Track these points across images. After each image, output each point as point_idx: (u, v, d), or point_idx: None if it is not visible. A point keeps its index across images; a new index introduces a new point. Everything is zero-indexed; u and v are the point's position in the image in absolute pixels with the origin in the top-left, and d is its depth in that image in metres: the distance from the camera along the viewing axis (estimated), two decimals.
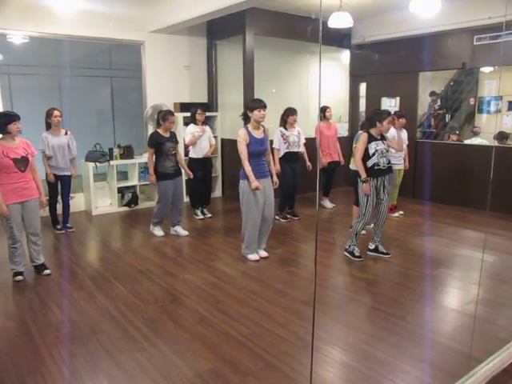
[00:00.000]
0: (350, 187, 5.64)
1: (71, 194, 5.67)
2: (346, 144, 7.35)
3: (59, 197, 5.50)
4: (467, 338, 2.87)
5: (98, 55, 8.49)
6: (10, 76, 7.78)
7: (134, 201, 6.73)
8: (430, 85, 8.65)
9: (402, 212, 6.22)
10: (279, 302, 3.53)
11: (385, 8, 6.65)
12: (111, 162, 6.48)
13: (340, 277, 4.25)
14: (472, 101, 9.13)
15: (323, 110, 6.23)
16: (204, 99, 7.58)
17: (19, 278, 3.95)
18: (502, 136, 6.77)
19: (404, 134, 6.01)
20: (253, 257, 4.45)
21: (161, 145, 5.02)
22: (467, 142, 7.29)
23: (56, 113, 5.23)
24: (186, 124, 6.23)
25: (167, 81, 7.15)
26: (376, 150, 4.29)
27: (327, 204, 6.69)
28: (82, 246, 5.18)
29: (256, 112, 4.18)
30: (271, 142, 5.06)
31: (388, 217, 6.05)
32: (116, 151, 6.59)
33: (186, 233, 5.33)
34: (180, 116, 6.84)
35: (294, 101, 6.92)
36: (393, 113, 6.21)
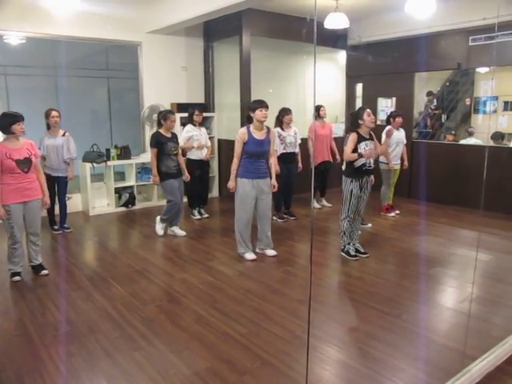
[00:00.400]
0: None
1: (68, 195, 5.67)
2: (343, 144, 7.37)
3: (56, 197, 5.50)
4: (462, 336, 2.90)
5: (94, 56, 8.49)
6: (6, 77, 7.78)
7: (132, 201, 6.74)
8: (426, 85, 8.70)
9: (397, 212, 6.26)
10: (276, 301, 3.55)
11: (381, 9, 6.69)
12: (108, 163, 6.49)
13: (336, 276, 4.28)
14: (468, 101, 9.19)
15: (317, 109, 6.25)
16: (201, 100, 7.60)
17: (17, 278, 3.96)
18: (497, 136, 6.82)
19: (402, 133, 6.05)
20: (248, 256, 4.47)
21: (163, 145, 5.02)
22: (462, 142, 7.34)
23: (54, 113, 5.23)
24: (183, 125, 6.24)
25: (164, 81, 7.16)
26: (365, 150, 4.32)
27: (324, 203, 6.73)
28: (80, 247, 5.19)
29: (258, 112, 4.23)
30: None
31: (384, 216, 6.13)
32: (113, 152, 6.60)
33: (184, 233, 5.34)
34: (177, 116, 6.84)
35: (291, 101, 6.96)
36: (389, 113, 6.28)
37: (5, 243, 4.00)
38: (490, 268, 4.30)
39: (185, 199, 6.49)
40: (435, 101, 9.17)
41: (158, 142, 5.02)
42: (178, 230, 5.35)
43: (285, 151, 5.73)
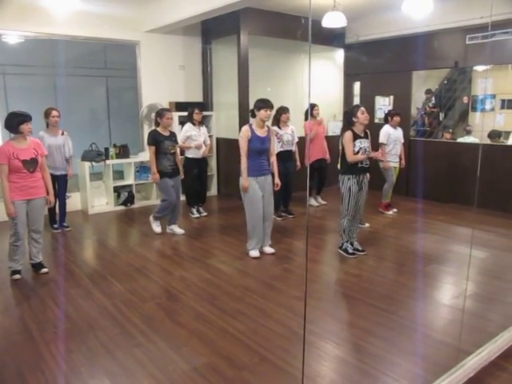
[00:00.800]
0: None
1: (67, 194, 5.70)
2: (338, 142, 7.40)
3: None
4: (457, 332, 2.94)
5: (93, 55, 8.50)
6: (5, 76, 7.80)
7: (130, 200, 6.77)
8: (423, 83, 8.72)
9: (395, 210, 6.29)
10: (274, 298, 3.59)
11: (378, 8, 6.71)
12: (107, 162, 6.51)
13: (333, 273, 4.31)
14: (465, 99, 9.21)
15: (311, 108, 6.28)
16: (199, 98, 7.62)
17: (17, 276, 3.98)
18: (494, 134, 6.85)
19: (399, 131, 6.09)
20: (253, 253, 4.51)
21: (159, 143, 5.03)
22: (460, 140, 7.37)
23: (54, 113, 5.24)
24: (182, 123, 6.26)
25: (162, 80, 7.19)
26: (360, 148, 4.35)
27: (319, 201, 6.76)
28: (79, 245, 5.22)
29: (262, 111, 4.34)
30: None
31: (382, 214, 6.16)
32: (112, 151, 6.62)
33: (182, 231, 5.37)
34: (175, 115, 6.87)
35: (289, 100, 6.97)
36: (387, 111, 6.30)
37: (5, 241, 4.02)
38: (486, 265, 4.34)
39: (182, 197, 6.54)
40: (433, 99, 9.20)
41: (155, 139, 5.03)
42: (176, 229, 5.38)
43: (282, 149, 5.76)
